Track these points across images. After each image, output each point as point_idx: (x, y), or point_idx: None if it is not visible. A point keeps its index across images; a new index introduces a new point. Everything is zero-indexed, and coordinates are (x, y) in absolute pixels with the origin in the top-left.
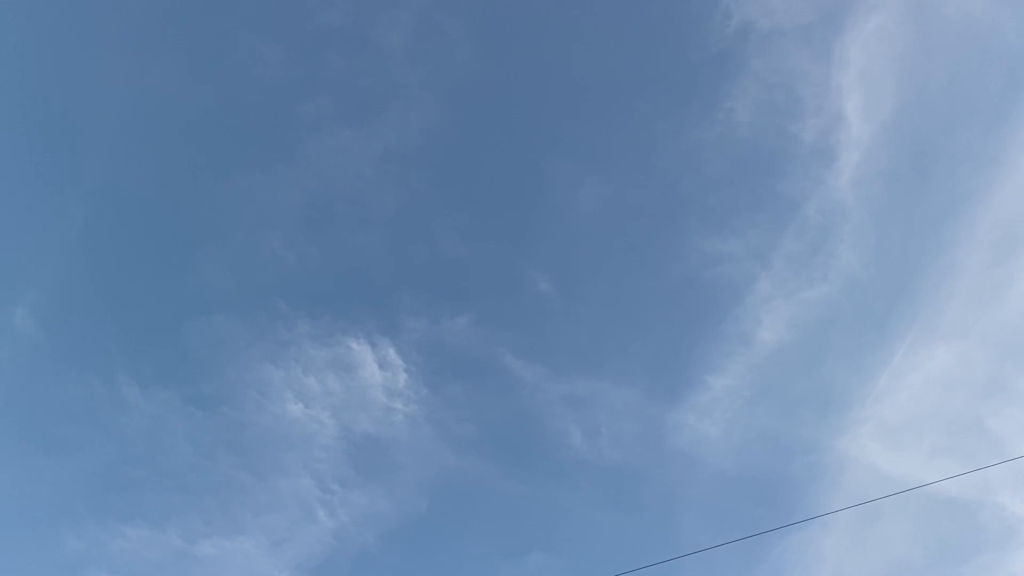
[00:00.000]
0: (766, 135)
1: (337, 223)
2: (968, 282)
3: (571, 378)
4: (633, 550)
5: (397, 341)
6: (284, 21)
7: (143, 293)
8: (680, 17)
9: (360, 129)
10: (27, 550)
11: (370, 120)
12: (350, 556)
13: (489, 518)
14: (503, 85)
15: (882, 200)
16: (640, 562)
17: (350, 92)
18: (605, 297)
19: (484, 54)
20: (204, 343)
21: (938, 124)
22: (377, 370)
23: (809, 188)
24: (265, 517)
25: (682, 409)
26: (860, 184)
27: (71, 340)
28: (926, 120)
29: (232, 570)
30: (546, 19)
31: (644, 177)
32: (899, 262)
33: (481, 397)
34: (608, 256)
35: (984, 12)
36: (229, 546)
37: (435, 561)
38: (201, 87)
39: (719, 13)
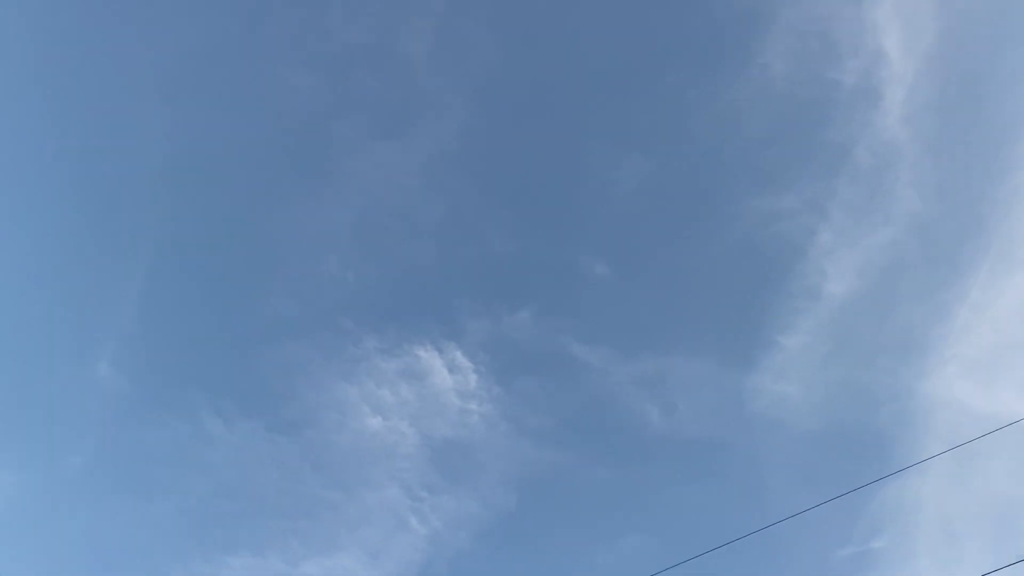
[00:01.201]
0: (805, 85)
1: (388, 237)
2: None
3: (640, 357)
4: (727, 520)
5: (462, 344)
6: (309, 47)
7: (213, 330)
8: None
9: (396, 141)
10: None
11: (405, 131)
12: (447, 559)
13: (578, 506)
14: (530, 77)
15: (935, 133)
16: (735, 532)
17: (382, 106)
18: (663, 272)
19: (508, 48)
20: (278, 370)
21: (984, 46)
22: (447, 375)
23: (857, 132)
24: (360, 531)
25: (757, 373)
26: (910, 120)
27: (152, 385)
28: (970, 44)
29: None
30: (564, 6)
31: (684, 147)
32: (962, 193)
33: (552, 388)
34: (660, 231)
35: None
36: (329, 564)
37: (531, 555)
38: (239, 123)
39: None
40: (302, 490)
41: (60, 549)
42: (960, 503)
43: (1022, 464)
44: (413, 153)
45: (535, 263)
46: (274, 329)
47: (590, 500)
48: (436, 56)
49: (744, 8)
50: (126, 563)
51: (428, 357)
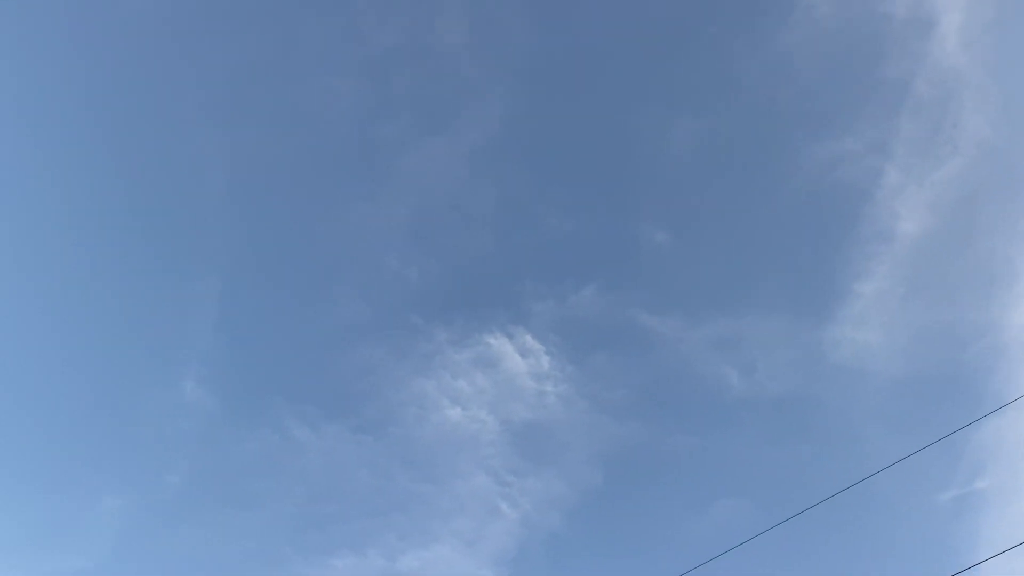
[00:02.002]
0: (854, 23)
1: (445, 230)
2: None
3: (712, 321)
4: (820, 477)
5: (531, 327)
6: (347, 54)
7: (288, 339)
8: None
9: (443, 135)
10: None
11: (450, 124)
12: (541, 540)
13: (665, 476)
14: (568, 53)
15: (997, 54)
16: (830, 488)
17: (424, 103)
18: (726, 232)
19: (542, 27)
20: (356, 372)
21: None
22: (519, 359)
23: (914, 64)
24: (454, 521)
25: (836, 324)
26: (968, 45)
27: (237, 399)
28: None
29: None
30: None
31: (735, 101)
32: None
33: (626, 361)
34: (718, 190)
35: None
36: (428, 556)
37: (623, 528)
38: (289, 136)
39: None
40: (393, 486)
41: (170, 566)
42: None
43: None
44: (460, 145)
45: (594, 238)
46: (346, 333)
47: (677, 469)
48: (472, 46)
49: None
50: (233, 573)
51: (498, 344)
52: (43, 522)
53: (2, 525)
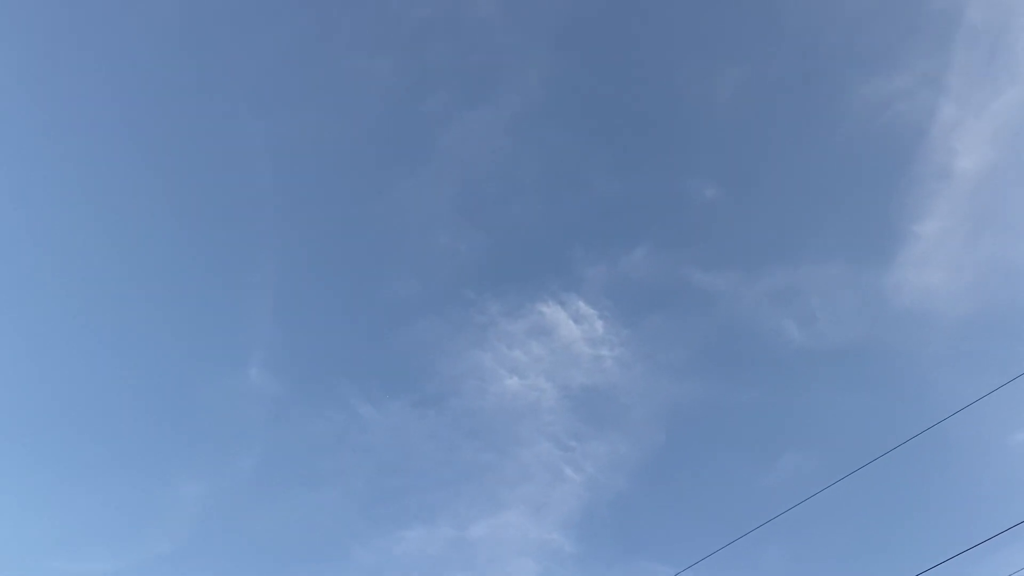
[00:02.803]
0: None
1: (491, 201)
2: None
3: (768, 273)
4: (889, 424)
5: (583, 293)
6: (383, 32)
7: (346, 320)
8: None
9: (483, 105)
10: (326, 572)
11: (490, 94)
12: (607, 502)
13: (729, 433)
14: (604, 8)
15: None
16: (900, 436)
17: (462, 74)
18: (777, 181)
19: None
20: (414, 349)
21: None
22: (573, 326)
23: None
24: (520, 489)
25: (897, 267)
26: None
27: (301, 381)
28: None
29: (506, 544)
30: None
31: (778, 45)
32: None
33: (682, 320)
34: (766, 139)
35: None
36: (496, 523)
37: (689, 486)
38: (332, 118)
39: None
40: (458, 457)
41: (248, 547)
42: None
43: None
44: (501, 113)
45: (643, 197)
46: (401, 310)
47: (741, 425)
48: (507, 12)
49: None
50: (309, 550)
51: (552, 312)
52: (127, 511)
53: (89, 515)
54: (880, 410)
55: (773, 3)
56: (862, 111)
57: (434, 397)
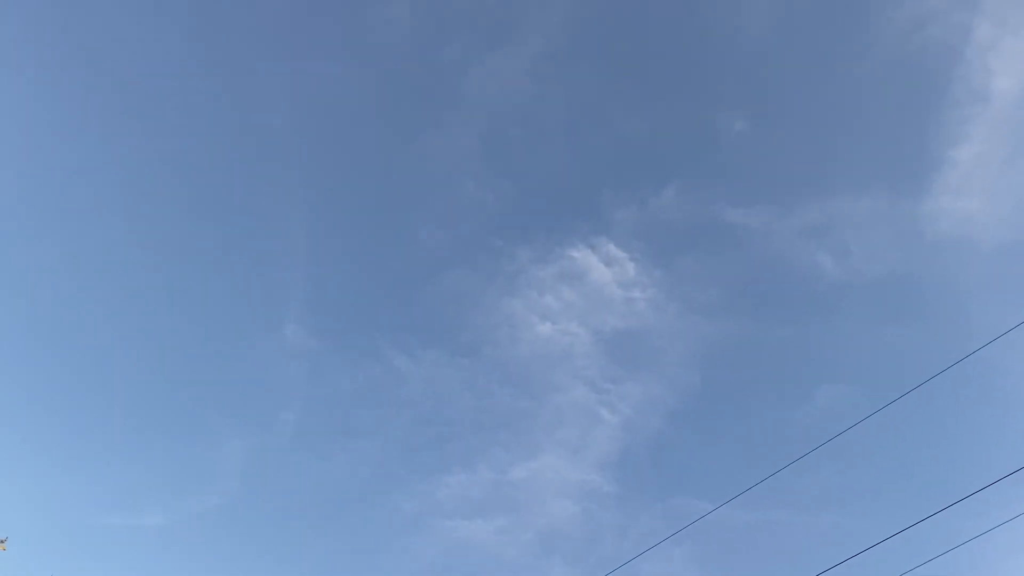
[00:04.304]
0: None
1: (517, 146)
2: None
3: (801, 208)
4: (928, 354)
5: (613, 235)
6: None
7: (377, 274)
8: None
9: (503, 48)
10: (370, 518)
11: (510, 37)
12: (644, 442)
13: (766, 369)
14: None
15: None
16: (938, 365)
17: (482, 17)
18: (808, 112)
19: None
20: (446, 299)
21: None
22: (604, 269)
23: None
24: (557, 432)
25: (933, 196)
26: None
27: (336, 336)
28: None
29: (545, 485)
30: None
31: None
32: None
33: (714, 258)
34: (796, 68)
35: None
36: (535, 466)
37: (726, 424)
38: (351, 70)
39: None
40: (495, 404)
41: (294, 498)
42: None
43: None
44: (522, 56)
45: (670, 136)
46: (431, 261)
47: (776, 361)
48: None
49: None
50: (353, 499)
51: (582, 256)
52: (176, 469)
53: (142, 474)
54: (917, 340)
55: None
56: (894, 34)
57: (468, 347)
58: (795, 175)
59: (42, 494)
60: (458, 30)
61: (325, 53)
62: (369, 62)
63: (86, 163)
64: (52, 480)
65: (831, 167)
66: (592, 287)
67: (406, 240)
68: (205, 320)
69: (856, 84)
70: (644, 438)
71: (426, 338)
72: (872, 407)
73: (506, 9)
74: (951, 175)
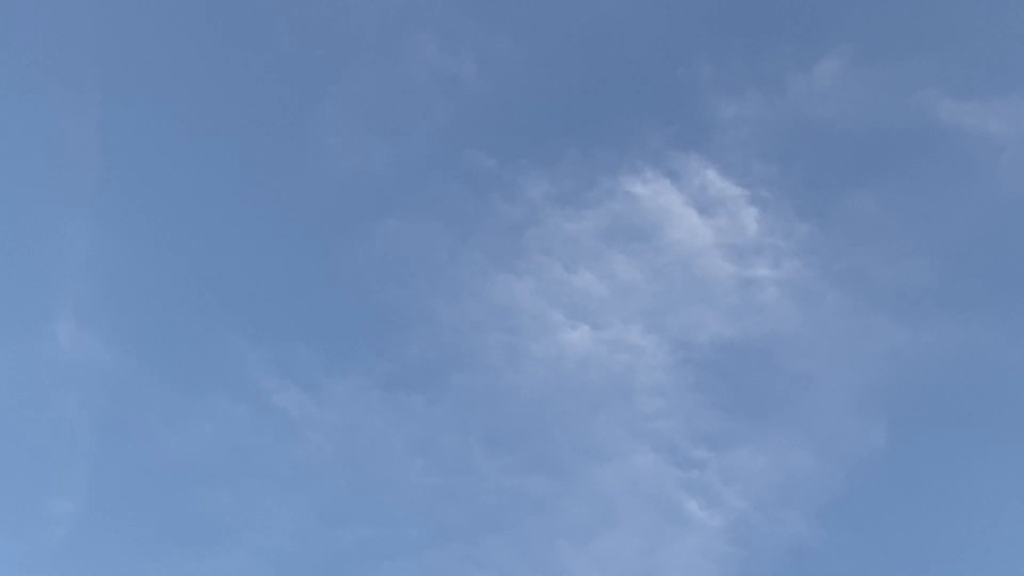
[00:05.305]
0: None
1: None
2: None
3: None
4: None
5: (714, 150)
6: None
7: (238, 238)
8: None
9: None
10: None
11: None
12: (772, 564)
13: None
14: None
15: None
16: None
17: None
18: None
19: None
20: (378, 278)
21: None
22: (696, 218)
23: None
24: (596, 548)
25: None
26: None
27: (159, 355)
28: None
29: None
30: None
31: None
32: None
33: (919, 200)
34: None
35: None
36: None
37: (940, 525)
38: None
39: None
40: (474, 487)
41: None
42: None
43: None
44: None
45: None
46: (346, 205)
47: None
48: None
49: None
50: None
51: (650, 192)
52: None
53: None
54: None
55: None
56: None
57: (421, 370)
58: None
59: None
60: None
61: None
62: None
63: None
64: None
65: None
66: (671, 255)
67: (293, 166)
68: None
69: None
70: (773, 556)
71: (337, 353)
72: None
73: None
74: None
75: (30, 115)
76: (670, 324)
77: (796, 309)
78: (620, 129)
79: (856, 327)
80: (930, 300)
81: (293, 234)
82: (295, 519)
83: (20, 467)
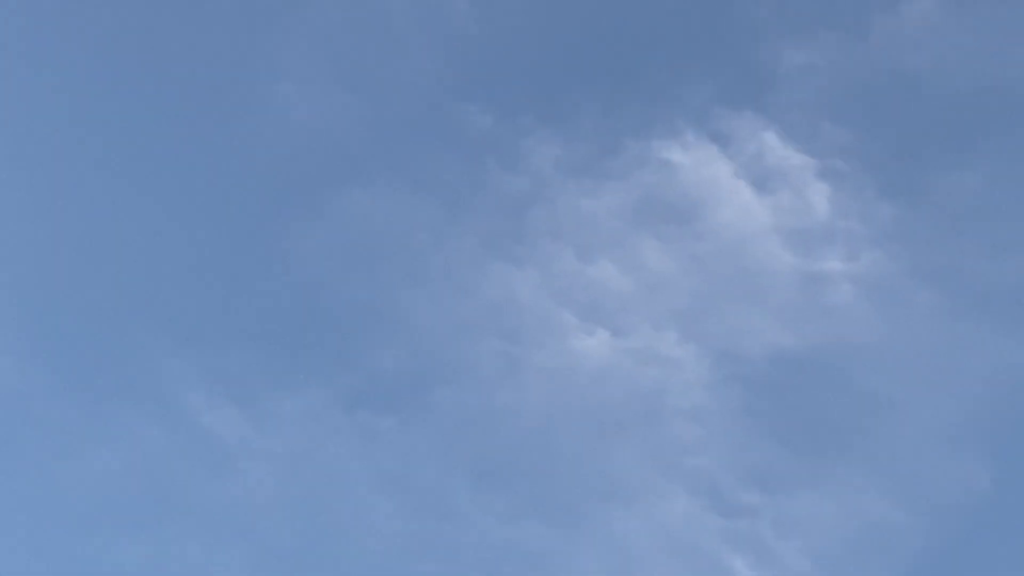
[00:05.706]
0: None
1: None
2: None
3: None
4: None
5: (770, 106)
6: None
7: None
8: None
9: None
10: None
11: None
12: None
13: None
14: None
15: None
16: None
17: None
18: None
19: None
20: (340, 271)
21: None
22: (747, 192)
23: None
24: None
25: None
26: None
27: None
28: None
29: None
30: None
31: None
32: None
33: None
34: None
35: None
36: None
37: None
38: None
39: None
40: (461, 539)
41: None
42: None
43: None
44: None
45: None
46: (304, 178)
47: None
48: None
49: None
50: None
51: (691, 161)
52: None
53: None
54: None
55: None
56: None
57: (388, 386)
58: None
59: None
60: None
61: None
62: None
63: None
64: None
65: None
66: (716, 241)
67: (231, 120)
68: None
69: None
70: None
71: (283, 363)
72: None
73: None
74: None
75: None
76: (713, 330)
77: (875, 313)
78: (653, 80)
79: (952, 337)
80: None
81: (229, 209)
82: (227, 574)
83: None
